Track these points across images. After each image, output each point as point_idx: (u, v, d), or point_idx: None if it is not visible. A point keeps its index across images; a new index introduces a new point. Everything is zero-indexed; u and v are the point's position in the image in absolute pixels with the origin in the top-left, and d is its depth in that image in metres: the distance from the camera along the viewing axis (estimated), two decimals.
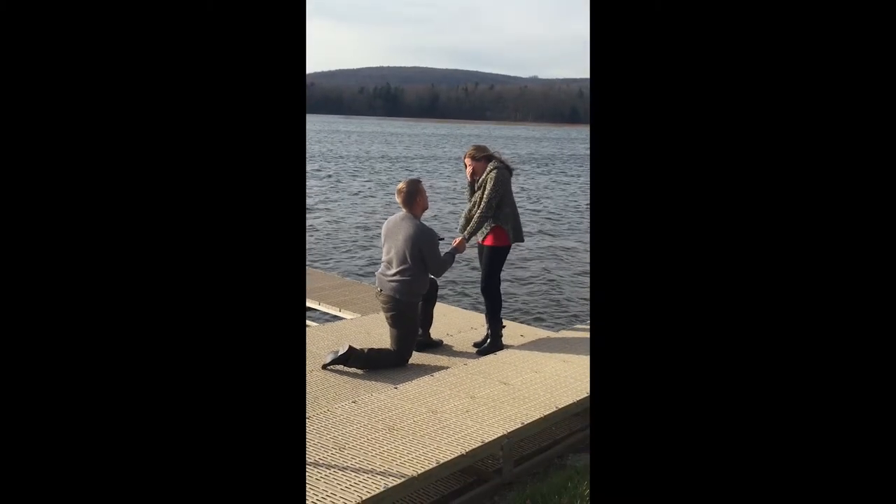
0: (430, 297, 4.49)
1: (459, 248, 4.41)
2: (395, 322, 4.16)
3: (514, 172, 4.54)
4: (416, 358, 4.27)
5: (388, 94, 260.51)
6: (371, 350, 4.06)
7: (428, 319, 4.50)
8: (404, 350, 4.17)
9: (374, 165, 28.22)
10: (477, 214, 4.38)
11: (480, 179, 4.45)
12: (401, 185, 4.30)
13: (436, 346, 4.50)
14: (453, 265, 4.49)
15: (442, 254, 4.28)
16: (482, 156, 4.46)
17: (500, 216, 4.38)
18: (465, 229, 4.46)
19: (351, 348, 3.96)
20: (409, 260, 4.10)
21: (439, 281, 4.82)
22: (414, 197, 4.22)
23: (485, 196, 4.34)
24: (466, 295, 7.79)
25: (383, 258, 4.29)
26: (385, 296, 4.18)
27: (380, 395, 3.37)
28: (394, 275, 4.15)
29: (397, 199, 4.29)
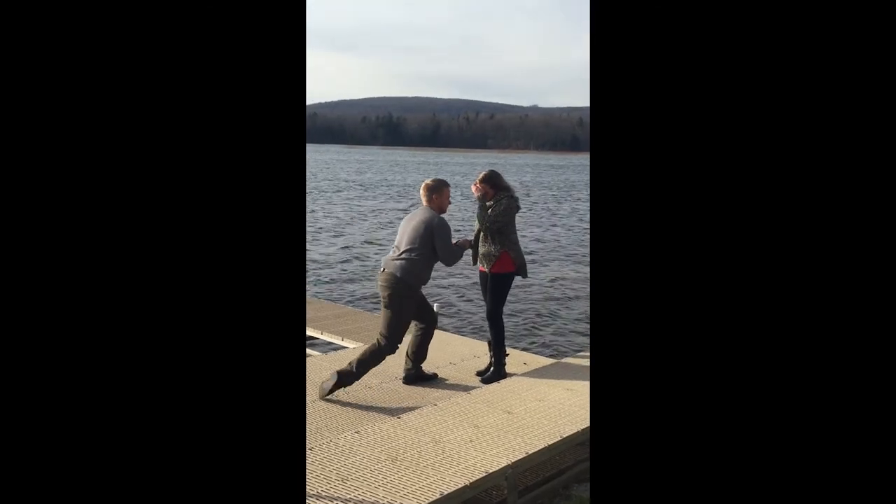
0: (427, 331, 4.41)
1: (464, 246, 4.40)
2: (389, 302, 4.12)
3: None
4: (418, 387, 4.25)
5: (389, 124, 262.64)
6: (357, 361, 4.03)
7: (422, 353, 4.42)
8: (393, 335, 4.10)
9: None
10: (483, 230, 4.40)
11: (487, 204, 4.46)
12: (428, 181, 4.35)
13: (429, 380, 4.41)
14: (460, 257, 4.43)
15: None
16: (494, 183, 4.48)
17: (506, 243, 4.38)
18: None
19: (338, 374, 3.94)
20: (417, 242, 4.11)
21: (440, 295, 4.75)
22: (434, 192, 4.27)
23: (489, 219, 4.37)
24: (472, 323, 7.76)
25: (395, 244, 4.29)
26: (386, 273, 4.16)
27: (382, 425, 3.35)
28: (399, 254, 4.16)
29: (421, 193, 4.33)
